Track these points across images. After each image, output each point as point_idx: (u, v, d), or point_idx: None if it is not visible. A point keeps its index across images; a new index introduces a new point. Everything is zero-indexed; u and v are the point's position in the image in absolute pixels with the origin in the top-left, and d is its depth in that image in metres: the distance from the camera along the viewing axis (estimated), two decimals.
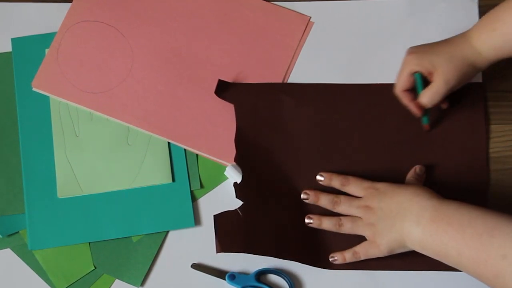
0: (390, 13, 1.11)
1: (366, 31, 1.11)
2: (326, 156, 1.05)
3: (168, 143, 1.07)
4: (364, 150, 1.05)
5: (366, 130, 1.06)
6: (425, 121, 1.04)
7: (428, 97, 0.98)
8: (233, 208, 1.02)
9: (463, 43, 0.97)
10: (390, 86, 1.05)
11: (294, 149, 1.05)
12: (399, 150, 1.05)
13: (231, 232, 1.00)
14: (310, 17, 1.12)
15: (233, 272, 1.01)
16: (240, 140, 1.04)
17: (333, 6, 1.12)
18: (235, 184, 1.02)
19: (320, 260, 1.01)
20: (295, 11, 1.12)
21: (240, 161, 1.04)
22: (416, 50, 0.99)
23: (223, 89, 1.06)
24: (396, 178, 1.01)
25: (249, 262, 1.01)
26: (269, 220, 1.02)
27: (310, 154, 1.05)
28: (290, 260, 1.00)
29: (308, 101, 1.07)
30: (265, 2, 1.12)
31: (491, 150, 1.06)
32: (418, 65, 0.98)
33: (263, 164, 1.04)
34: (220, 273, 1.01)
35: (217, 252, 1.00)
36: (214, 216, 1.01)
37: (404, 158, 1.04)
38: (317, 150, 1.05)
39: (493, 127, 1.07)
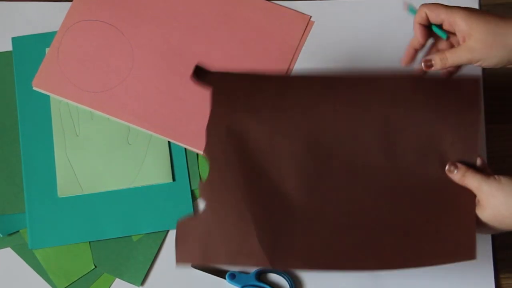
0: (390, 13, 1.12)
1: (366, 31, 1.11)
2: (311, 151, 0.94)
3: (169, 142, 1.07)
4: (352, 142, 0.94)
5: (352, 122, 0.95)
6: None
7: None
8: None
9: None
10: (385, 78, 1.01)
11: (274, 143, 0.94)
12: (389, 139, 0.94)
13: (191, 241, 0.90)
14: (311, 16, 1.12)
15: (233, 271, 1.01)
16: (213, 128, 0.93)
17: (333, 6, 1.12)
18: (200, 181, 0.98)
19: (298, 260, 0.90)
20: (296, 10, 1.12)
21: (210, 153, 0.93)
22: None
23: (201, 76, 0.96)
24: (390, 169, 0.95)
25: None
26: (236, 224, 0.90)
27: (292, 148, 0.94)
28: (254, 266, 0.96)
29: (294, 92, 0.96)
30: (265, 1, 1.12)
31: (488, 150, 1.06)
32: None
33: (237, 159, 0.93)
34: (220, 272, 1.02)
35: (176, 263, 0.90)
36: (178, 220, 0.91)
37: (397, 145, 0.94)
38: (300, 145, 0.94)
39: (491, 127, 1.07)
